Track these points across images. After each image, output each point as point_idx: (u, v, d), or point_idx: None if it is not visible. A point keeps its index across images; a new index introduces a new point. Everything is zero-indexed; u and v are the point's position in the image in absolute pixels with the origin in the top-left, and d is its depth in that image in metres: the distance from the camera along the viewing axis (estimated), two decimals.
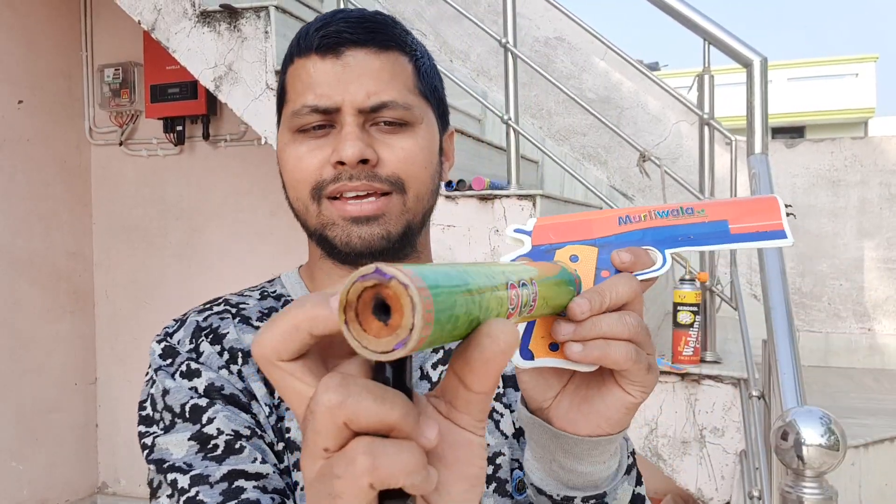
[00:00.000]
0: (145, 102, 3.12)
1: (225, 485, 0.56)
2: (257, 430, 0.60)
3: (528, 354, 0.45)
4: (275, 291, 0.71)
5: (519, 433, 0.68)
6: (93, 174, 3.39)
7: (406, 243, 0.66)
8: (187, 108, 3.07)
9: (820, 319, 3.23)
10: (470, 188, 2.10)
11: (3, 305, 2.97)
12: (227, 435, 0.58)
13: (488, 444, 0.65)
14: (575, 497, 0.51)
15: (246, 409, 0.61)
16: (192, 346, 0.65)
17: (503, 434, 0.67)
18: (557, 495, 0.51)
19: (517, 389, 0.68)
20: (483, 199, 2.08)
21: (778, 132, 14.06)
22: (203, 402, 0.61)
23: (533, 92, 3.55)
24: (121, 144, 3.31)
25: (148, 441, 0.61)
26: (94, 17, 3.34)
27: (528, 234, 0.47)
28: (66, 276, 3.26)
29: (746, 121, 2.02)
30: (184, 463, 0.58)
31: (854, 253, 3.20)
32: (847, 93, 14.52)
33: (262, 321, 0.67)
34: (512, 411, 0.68)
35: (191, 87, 3.02)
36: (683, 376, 1.95)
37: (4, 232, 2.98)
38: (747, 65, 2.00)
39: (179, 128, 3.15)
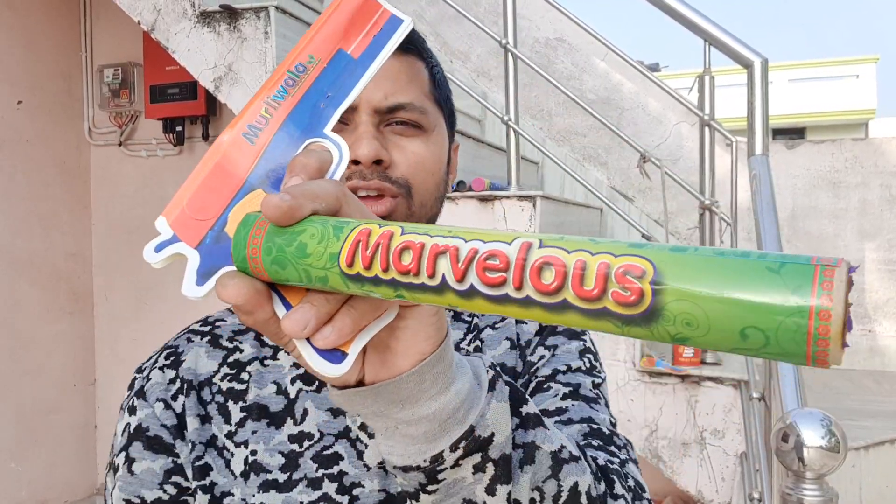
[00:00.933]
0: (145, 103, 3.12)
1: None
2: (151, 492, 0.62)
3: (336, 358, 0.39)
4: None
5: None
6: (92, 175, 3.39)
7: None
8: (187, 109, 3.07)
9: None
10: (470, 189, 2.09)
11: (3, 306, 2.97)
12: None
13: (347, 473, 0.62)
14: (442, 451, 0.41)
15: (168, 450, 0.63)
16: (147, 372, 0.67)
17: (366, 466, 0.63)
18: (424, 461, 0.41)
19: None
20: (483, 200, 2.08)
21: (778, 133, 14.06)
22: (118, 460, 0.64)
23: (533, 93, 3.55)
24: (120, 145, 3.31)
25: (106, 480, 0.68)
26: (93, 17, 3.34)
27: (172, 240, 0.39)
28: (66, 277, 3.26)
29: (747, 122, 2.02)
30: None
31: (854, 254, 3.19)
32: (848, 94, 14.52)
33: (232, 341, 0.67)
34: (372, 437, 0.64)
35: (190, 88, 3.02)
36: (684, 378, 1.95)
37: (4, 232, 2.98)
38: (748, 66, 2.00)
39: (179, 128, 3.15)
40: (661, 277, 0.26)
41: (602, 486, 0.52)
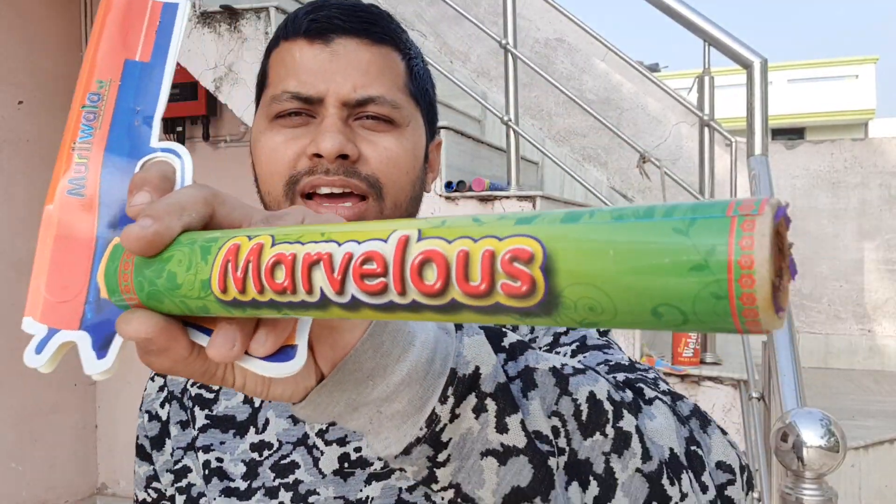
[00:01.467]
0: None
1: None
2: (140, 492, 0.68)
3: None
4: None
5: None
6: None
7: None
8: (187, 109, 3.07)
9: (820, 321, 3.23)
10: (470, 189, 2.10)
11: (3, 306, 2.97)
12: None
13: (302, 481, 0.60)
14: (433, 409, 0.36)
15: (149, 459, 0.67)
16: (146, 383, 0.71)
17: (321, 473, 0.62)
18: (420, 430, 0.36)
19: None
20: (483, 200, 2.08)
21: (778, 133, 14.06)
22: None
23: (533, 93, 3.55)
24: None
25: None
26: (94, 17, 3.33)
27: (49, 335, 0.35)
28: None
29: (746, 122, 2.02)
30: None
31: (854, 254, 3.20)
32: (847, 94, 14.53)
33: None
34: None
35: (191, 88, 3.02)
36: (683, 378, 1.95)
37: (4, 232, 2.98)
38: (747, 66, 2.00)
39: (179, 128, 3.16)
40: (551, 261, 0.22)
41: (629, 394, 0.46)
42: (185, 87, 3.03)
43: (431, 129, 0.67)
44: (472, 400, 0.37)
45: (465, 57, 3.71)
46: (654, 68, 13.02)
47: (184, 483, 0.64)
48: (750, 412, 1.81)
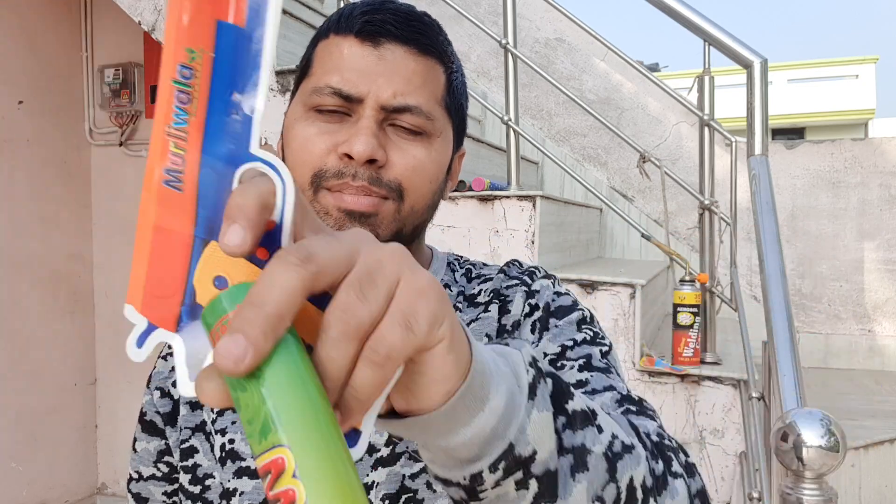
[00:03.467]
0: (145, 103, 3.12)
1: None
2: (146, 469, 0.71)
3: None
4: None
5: None
6: (93, 175, 3.39)
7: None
8: None
9: (820, 321, 3.23)
10: (470, 189, 2.10)
11: (3, 306, 2.97)
12: (127, 479, 0.73)
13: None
14: (481, 471, 0.37)
15: (161, 434, 0.70)
16: (157, 360, 0.73)
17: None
18: (463, 479, 0.38)
19: None
20: (483, 199, 2.08)
21: (778, 133, 14.06)
22: (134, 438, 0.72)
23: (533, 93, 3.55)
24: (121, 145, 3.31)
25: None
26: (94, 17, 3.34)
27: (149, 329, 0.32)
28: (66, 277, 3.26)
29: (746, 122, 2.02)
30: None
31: (854, 254, 3.20)
32: (847, 94, 14.53)
33: None
34: None
35: None
36: (683, 377, 1.95)
37: (4, 233, 2.98)
38: (747, 66, 2.00)
39: None
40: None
41: (660, 465, 0.47)
42: None
43: (459, 141, 0.69)
44: (518, 475, 0.38)
45: (465, 57, 3.71)
46: (654, 68, 13.02)
47: (190, 463, 0.66)
48: (750, 412, 1.81)
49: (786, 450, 1.04)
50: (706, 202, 2.14)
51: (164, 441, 0.69)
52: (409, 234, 0.65)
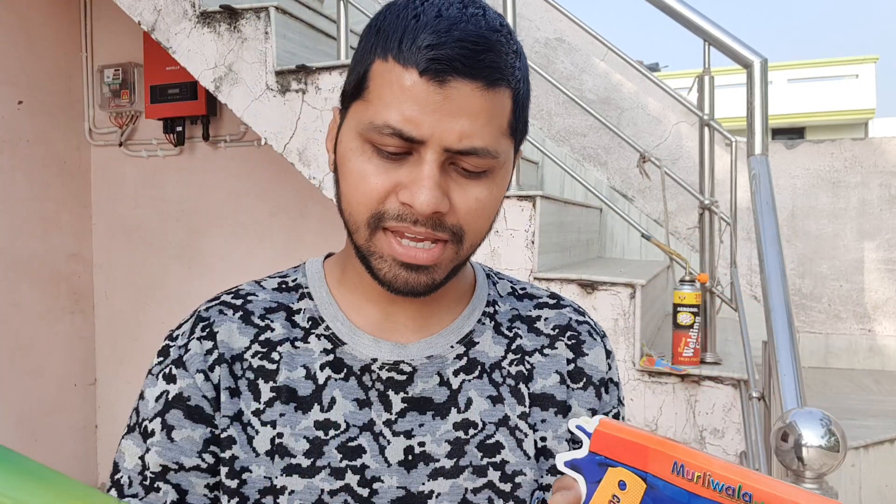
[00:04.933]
0: (145, 103, 3.12)
1: None
2: (189, 459, 0.63)
3: None
4: (295, 280, 0.70)
5: (541, 453, 0.67)
6: (93, 175, 3.39)
7: (447, 282, 0.64)
8: (187, 109, 3.07)
9: (820, 321, 3.23)
10: None
11: (3, 306, 2.97)
12: (152, 471, 0.63)
13: (508, 462, 0.65)
14: None
15: (208, 421, 0.64)
16: (186, 341, 0.66)
17: (525, 454, 0.66)
18: None
19: (543, 409, 0.68)
20: None
21: (778, 133, 14.06)
22: (151, 426, 0.64)
23: (533, 93, 3.53)
24: (121, 145, 3.31)
25: (125, 430, 0.67)
26: (94, 17, 3.34)
27: (589, 435, 0.45)
28: (66, 278, 3.26)
29: (746, 122, 2.02)
30: (128, 481, 0.65)
31: (854, 254, 3.19)
32: (847, 94, 14.52)
33: (263, 319, 0.67)
34: (536, 431, 0.67)
35: (191, 88, 3.02)
36: (683, 377, 1.95)
37: (4, 233, 2.98)
38: (747, 66, 2.00)
39: (179, 128, 3.15)
40: None
41: None
42: (185, 87, 3.03)
43: (519, 143, 0.67)
44: None
45: None
46: (654, 68, 13.01)
47: (227, 455, 0.63)
48: (750, 412, 1.81)
49: (786, 450, 1.04)
50: (706, 202, 2.13)
51: (210, 429, 0.63)
52: (465, 261, 0.65)
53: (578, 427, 0.45)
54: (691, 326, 1.96)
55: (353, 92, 0.62)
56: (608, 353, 0.73)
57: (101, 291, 3.39)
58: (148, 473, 0.63)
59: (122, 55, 3.26)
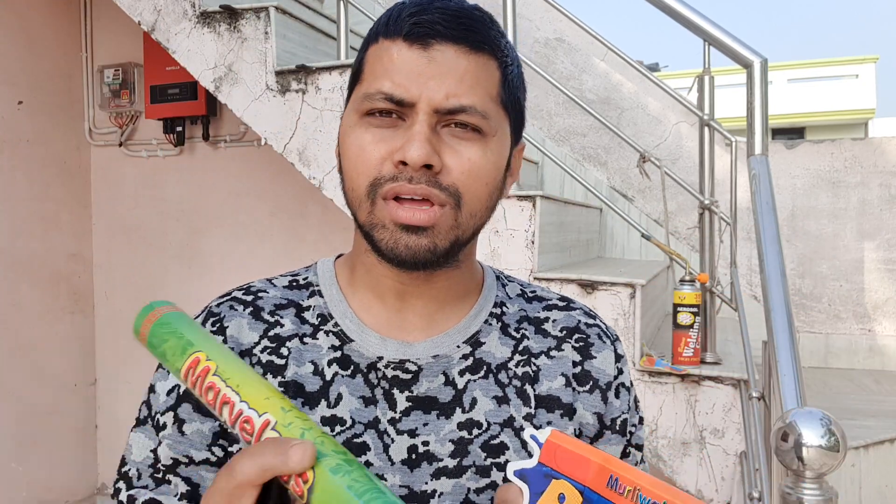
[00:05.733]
0: (145, 103, 3.12)
1: None
2: (199, 453, 0.64)
3: None
4: (305, 279, 0.72)
5: None
6: (93, 175, 3.39)
7: (451, 256, 0.63)
8: (187, 109, 3.07)
9: (820, 321, 3.23)
10: None
11: (3, 306, 2.97)
12: (163, 464, 0.64)
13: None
14: None
15: (213, 415, 0.65)
16: None
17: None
18: None
19: (549, 411, 0.68)
20: None
21: (778, 133, 14.06)
22: (163, 419, 0.65)
23: (533, 93, 3.55)
24: (120, 145, 3.31)
25: (133, 424, 0.68)
26: (94, 17, 3.34)
27: (540, 445, 0.46)
28: (66, 278, 3.26)
29: (746, 122, 2.02)
30: (137, 473, 0.65)
31: (854, 254, 3.20)
32: (847, 94, 14.52)
33: (273, 315, 0.68)
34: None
35: (190, 88, 3.02)
36: (683, 377, 1.95)
37: (4, 233, 2.98)
38: (747, 66, 2.00)
39: (179, 129, 3.15)
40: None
41: None
42: (185, 87, 3.03)
43: (517, 135, 0.68)
44: None
45: None
46: (654, 68, 13.02)
47: (236, 448, 0.64)
48: (750, 412, 1.81)
49: (786, 450, 1.04)
50: (706, 202, 2.14)
51: (217, 422, 0.64)
52: (468, 239, 0.64)
53: (532, 437, 0.46)
54: (691, 326, 1.96)
55: (353, 81, 0.65)
56: (618, 357, 0.73)
57: (101, 291, 3.39)
58: (160, 466, 0.64)
59: (122, 55, 3.26)
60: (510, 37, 2.25)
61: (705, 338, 2.04)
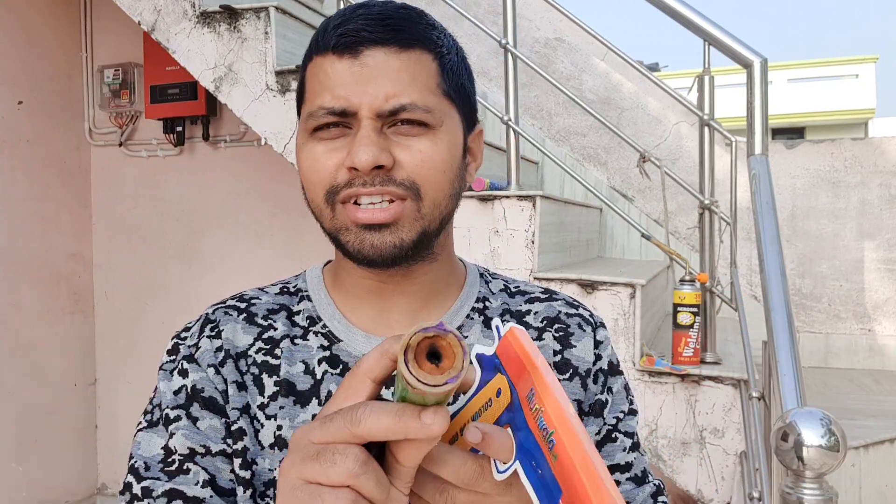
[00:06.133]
0: (145, 103, 3.12)
1: (164, 500, 0.61)
2: (216, 445, 0.64)
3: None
4: (295, 286, 0.73)
5: None
6: (93, 175, 3.39)
7: (421, 248, 0.64)
8: (187, 109, 3.07)
9: (820, 320, 3.23)
10: (470, 189, 2.10)
11: (3, 306, 2.97)
12: (180, 454, 0.63)
13: None
14: None
15: (222, 412, 0.65)
16: (196, 340, 0.68)
17: None
18: None
19: None
20: (483, 199, 2.08)
21: (778, 133, 14.06)
22: (174, 413, 0.65)
23: (533, 93, 3.55)
24: (121, 145, 3.31)
25: (138, 428, 0.67)
26: (94, 17, 3.34)
27: (500, 337, 0.45)
28: (66, 278, 3.26)
29: (746, 122, 2.02)
30: (144, 465, 0.63)
31: (854, 254, 3.19)
32: (847, 94, 14.52)
33: (266, 319, 0.69)
34: None
35: (190, 88, 3.02)
36: (683, 377, 1.95)
37: (4, 233, 2.98)
38: (747, 66, 2.00)
39: (179, 129, 3.15)
40: None
41: None
42: (185, 87, 3.03)
43: (470, 120, 0.69)
44: None
45: None
46: (654, 68, 13.02)
47: (239, 446, 0.64)
48: (750, 412, 1.81)
49: (786, 449, 1.04)
50: (706, 202, 2.14)
51: (224, 420, 0.65)
52: (436, 230, 0.65)
53: (496, 327, 0.45)
54: (691, 326, 1.96)
55: (299, 102, 0.68)
56: (597, 343, 0.74)
57: (101, 291, 3.39)
58: (175, 457, 0.63)
59: (122, 55, 3.26)
60: (510, 37, 2.25)
61: (705, 338, 2.04)
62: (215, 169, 3.20)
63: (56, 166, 3.22)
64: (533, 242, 2.03)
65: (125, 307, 3.34)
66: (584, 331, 0.74)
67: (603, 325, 0.76)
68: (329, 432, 0.41)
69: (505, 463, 0.42)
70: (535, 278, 2.01)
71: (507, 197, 2.06)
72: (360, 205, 0.62)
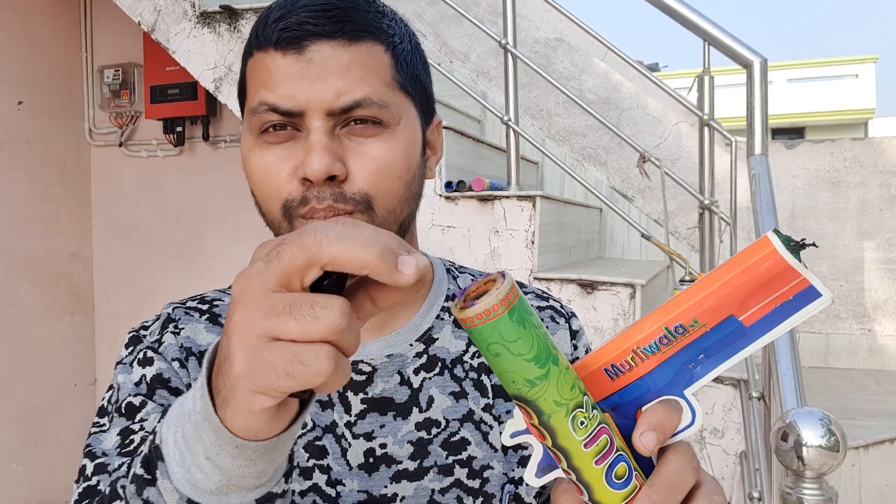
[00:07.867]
0: (145, 103, 3.12)
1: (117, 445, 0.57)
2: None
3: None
4: None
5: (508, 446, 0.66)
6: (93, 175, 3.39)
7: None
8: (187, 109, 3.07)
9: (820, 320, 3.23)
10: (470, 189, 2.10)
11: (3, 306, 2.97)
12: (144, 432, 0.58)
13: (475, 458, 0.64)
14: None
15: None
16: (158, 336, 0.66)
17: (492, 447, 0.66)
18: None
19: (507, 400, 0.68)
20: (483, 200, 2.08)
21: (778, 133, 14.07)
22: (138, 400, 0.60)
23: (533, 93, 3.55)
24: (120, 145, 3.31)
25: (92, 430, 0.62)
26: (94, 17, 3.34)
27: (524, 432, 0.42)
28: (66, 278, 3.26)
29: (746, 122, 2.02)
30: (102, 452, 0.57)
31: (854, 254, 3.20)
32: (847, 94, 14.53)
33: None
34: (501, 423, 0.67)
35: (190, 88, 3.02)
36: None
37: (4, 233, 2.98)
38: (747, 66, 2.00)
39: (179, 129, 3.15)
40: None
41: None
42: (185, 88, 3.03)
43: (428, 113, 0.66)
44: None
45: (464, 57, 3.71)
46: (654, 68, 13.03)
47: None
48: (750, 412, 1.81)
49: (786, 449, 1.04)
50: (706, 202, 2.13)
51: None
52: (395, 233, 0.64)
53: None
54: None
55: (241, 103, 0.63)
56: (574, 334, 0.73)
57: (101, 291, 3.39)
58: (136, 437, 0.58)
59: (122, 55, 3.26)
60: (510, 37, 2.25)
61: None
62: (215, 169, 3.20)
63: (56, 166, 3.22)
64: (533, 242, 2.03)
65: (125, 307, 3.34)
66: (558, 323, 0.73)
67: (574, 315, 0.75)
68: (283, 268, 0.36)
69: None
70: (535, 278, 2.01)
71: (507, 197, 2.06)
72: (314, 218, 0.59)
